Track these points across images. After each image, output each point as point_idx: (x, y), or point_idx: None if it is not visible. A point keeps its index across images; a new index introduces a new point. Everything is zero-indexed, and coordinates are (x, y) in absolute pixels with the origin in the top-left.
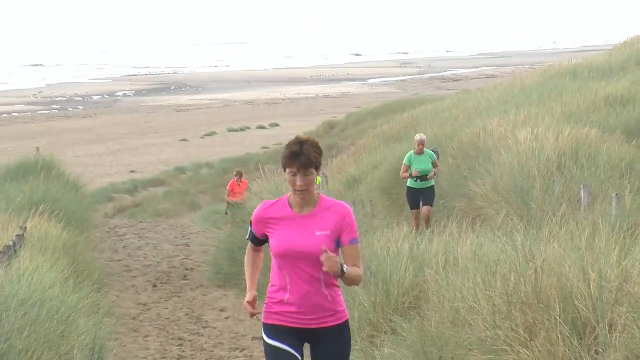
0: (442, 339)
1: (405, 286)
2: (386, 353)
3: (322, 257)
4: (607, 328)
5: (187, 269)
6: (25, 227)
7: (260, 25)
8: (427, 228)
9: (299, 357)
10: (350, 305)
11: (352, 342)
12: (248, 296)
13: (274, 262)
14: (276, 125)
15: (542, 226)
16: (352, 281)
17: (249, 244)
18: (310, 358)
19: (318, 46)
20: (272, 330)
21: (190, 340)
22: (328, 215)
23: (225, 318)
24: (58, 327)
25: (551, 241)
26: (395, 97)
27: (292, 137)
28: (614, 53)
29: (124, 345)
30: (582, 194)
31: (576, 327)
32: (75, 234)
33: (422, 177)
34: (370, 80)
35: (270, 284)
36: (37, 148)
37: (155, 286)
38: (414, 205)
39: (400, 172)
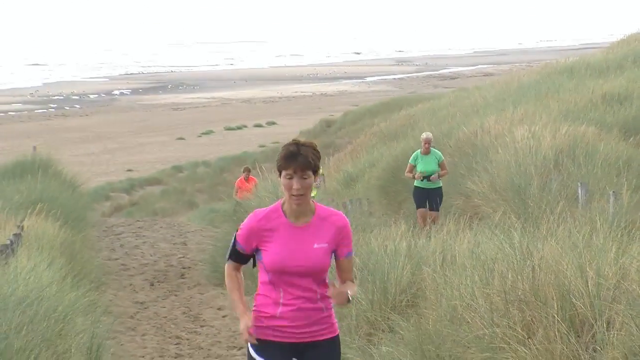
0: (439, 337)
1: (403, 284)
2: (384, 351)
3: (332, 293)
4: (605, 326)
5: (184, 268)
6: (23, 226)
7: (261, 25)
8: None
9: None
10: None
11: (350, 340)
12: (246, 321)
13: (263, 276)
14: (274, 123)
15: (540, 224)
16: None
17: (230, 265)
18: None
19: (316, 45)
20: (260, 346)
21: (187, 339)
22: (326, 226)
23: (223, 317)
24: (56, 325)
25: (549, 239)
26: (393, 95)
27: (289, 136)
28: (611, 51)
29: (121, 344)
30: (579, 191)
31: (574, 324)
32: (73, 232)
33: (428, 177)
34: (368, 79)
35: (257, 294)
36: (34, 147)
37: (152, 285)
38: (420, 204)
39: (405, 171)
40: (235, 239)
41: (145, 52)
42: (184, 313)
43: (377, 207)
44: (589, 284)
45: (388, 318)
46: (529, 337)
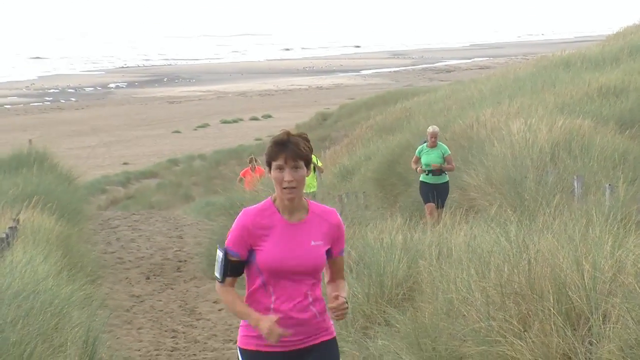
0: (435, 331)
1: (399, 278)
2: (380, 345)
3: (334, 305)
4: (601, 319)
5: (180, 261)
6: (19, 220)
7: (259, 18)
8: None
9: None
10: None
11: (346, 334)
12: (268, 319)
13: (254, 281)
14: (269, 116)
15: (536, 217)
16: None
17: (224, 284)
18: None
19: (313, 38)
20: (252, 357)
21: (184, 332)
22: (321, 223)
23: (219, 310)
24: (52, 319)
25: (545, 232)
26: (389, 89)
27: (285, 129)
28: (607, 44)
29: (117, 338)
30: (575, 184)
31: (570, 318)
32: (69, 226)
33: (434, 171)
34: (364, 72)
35: (246, 301)
36: (30, 140)
37: (148, 278)
38: (426, 199)
39: (412, 160)
40: (225, 252)
41: (147, 45)
42: (180, 306)
43: (373, 201)
44: (585, 277)
45: (384, 311)
46: (525, 330)
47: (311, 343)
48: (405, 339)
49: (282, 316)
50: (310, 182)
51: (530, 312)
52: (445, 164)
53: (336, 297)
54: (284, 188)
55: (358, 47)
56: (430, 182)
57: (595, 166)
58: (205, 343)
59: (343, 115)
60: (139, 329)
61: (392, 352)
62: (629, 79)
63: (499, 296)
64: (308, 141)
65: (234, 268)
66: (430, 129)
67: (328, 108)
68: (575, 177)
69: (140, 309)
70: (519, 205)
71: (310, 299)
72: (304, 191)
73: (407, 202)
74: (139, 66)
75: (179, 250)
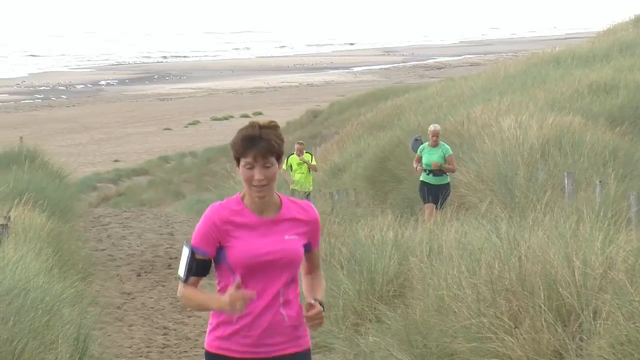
0: (426, 327)
1: (390, 274)
2: (371, 341)
3: (309, 314)
4: (591, 315)
5: (171, 258)
6: (10, 217)
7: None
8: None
9: None
10: (335, 293)
11: (337, 330)
12: (228, 293)
13: (224, 281)
14: (260, 114)
15: (527, 214)
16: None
17: (189, 283)
18: None
19: (302, 35)
20: None
21: (175, 330)
22: (296, 217)
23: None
24: (43, 316)
25: (535, 229)
26: (379, 86)
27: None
28: (597, 40)
29: (108, 335)
30: (566, 181)
31: (561, 314)
32: (60, 223)
33: (435, 171)
34: (354, 69)
35: (212, 312)
36: (21, 138)
37: (139, 275)
38: (426, 200)
39: (414, 160)
40: (191, 249)
41: (133, 42)
42: (171, 303)
43: (364, 198)
44: (576, 274)
45: (375, 308)
46: (515, 327)
47: (279, 353)
48: (396, 336)
49: (250, 316)
50: (306, 182)
51: (521, 309)
52: (446, 164)
53: (311, 306)
54: (254, 186)
55: (352, 44)
56: (431, 182)
57: (585, 163)
58: (196, 340)
59: (334, 112)
60: (130, 326)
61: (383, 349)
62: (619, 76)
63: (490, 293)
64: (279, 132)
65: (199, 267)
66: (431, 127)
67: (319, 105)
68: (565, 174)
69: (131, 306)
70: (510, 202)
71: (281, 300)
72: (300, 190)
73: (398, 199)
74: (129, 63)
75: (170, 248)
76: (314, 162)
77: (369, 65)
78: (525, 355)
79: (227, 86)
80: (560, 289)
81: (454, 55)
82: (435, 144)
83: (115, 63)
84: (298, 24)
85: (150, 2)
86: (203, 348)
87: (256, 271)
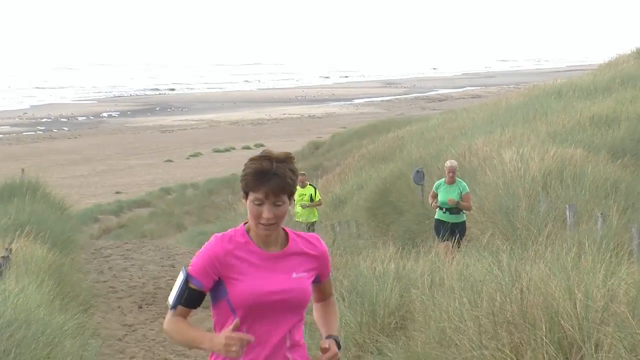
0: (428, 359)
1: (392, 306)
2: None
3: (325, 358)
4: (593, 348)
5: None
6: (11, 249)
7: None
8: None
9: None
10: None
11: None
12: (222, 334)
13: (224, 319)
14: (262, 145)
15: (528, 246)
16: None
17: (175, 313)
18: None
19: (305, 67)
20: None
21: None
22: (304, 252)
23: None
24: (44, 349)
25: (537, 261)
26: (381, 117)
27: None
28: (599, 73)
29: None
30: (567, 213)
31: (562, 347)
32: (61, 255)
33: (452, 209)
34: (356, 101)
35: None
36: (23, 169)
37: (141, 307)
38: (441, 238)
39: (429, 195)
40: (186, 276)
41: (134, 74)
42: None
43: (366, 229)
44: (577, 306)
45: (376, 340)
46: (517, 359)
47: None
48: None
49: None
50: (311, 213)
51: (522, 341)
52: (463, 202)
53: (326, 350)
54: (262, 224)
55: (346, 76)
56: (447, 220)
57: (587, 195)
58: None
59: (335, 144)
60: (132, 358)
61: None
62: (621, 109)
63: (492, 325)
64: (294, 166)
65: (191, 297)
66: (448, 163)
67: (320, 137)
68: (567, 206)
69: (132, 338)
70: (511, 234)
71: (288, 344)
72: (304, 222)
73: (400, 231)
74: (130, 95)
75: (172, 280)
76: (318, 197)
77: (370, 97)
78: None
79: (229, 118)
80: (562, 322)
81: (455, 88)
82: (452, 181)
83: (117, 95)
84: (309, 56)
85: (165, 33)
86: None
87: (260, 312)
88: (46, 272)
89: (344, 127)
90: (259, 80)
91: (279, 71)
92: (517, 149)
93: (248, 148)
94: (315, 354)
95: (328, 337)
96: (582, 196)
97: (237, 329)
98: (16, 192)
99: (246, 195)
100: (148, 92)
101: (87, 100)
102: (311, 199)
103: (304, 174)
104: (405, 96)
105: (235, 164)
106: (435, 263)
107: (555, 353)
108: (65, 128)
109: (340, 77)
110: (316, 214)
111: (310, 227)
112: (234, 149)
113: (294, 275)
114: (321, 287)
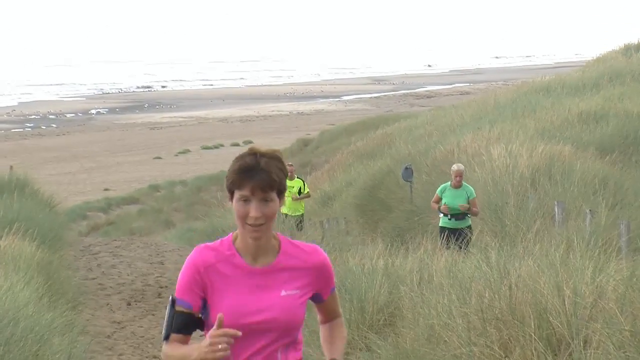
0: (417, 356)
1: (380, 303)
2: None
3: None
4: (582, 344)
5: (161, 287)
6: None
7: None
8: None
9: None
10: None
11: None
12: (203, 342)
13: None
14: (250, 142)
15: (517, 242)
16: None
17: (171, 340)
18: None
19: (295, 63)
20: None
21: None
22: (297, 266)
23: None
24: (33, 346)
25: (526, 258)
26: (369, 114)
27: None
28: (587, 69)
29: None
30: (556, 210)
31: (551, 343)
32: (50, 252)
33: (457, 214)
34: (344, 98)
35: None
36: (11, 166)
37: (129, 304)
38: (445, 244)
39: (432, 200)
40: (173, 302)
41: (122, 71)
42: (161, 332)
43: (354, 226)
44: (566, 303)
45: (365, 337)
46: (506, 356)
47: None
48: None
49: None
50: (298, 206)
51: (511, 338)
52: (470, 207)
53: None
54: (248, 225)
55: (335, 73)
56: (452, 227)
57: (575, 191)
58: None
59: (324, 141)
60: (120, 355)
61: None
62: (609, 105)
63: (480, 322)
64: (282, 163)
65: (179, 321)
66: (454, 167)
67: (309, 134)
68: (555, 203)
69: (121, 335)
70: (500, 231)
71: (280, 357)
72: (292, 215)
73: (388, 228)
74: (119, 92)
75: (160, 277)
76: (306, 190)
77: (358, 94)
78: None
79: (218, 115)
80: (551, 318)
81: (444, 84)
82: (458, 185)
83: (106, 92)
84: (300, 53)
85: (164, 33)
86: None
87: (244, 335)
88: (35, 269)
89: (333, 124)
90: (246, 78)
91: (272, 68)
92: (506, 146)
93: (237, 145)
94: None
95: None
96: (571, 193)
97: (221, 324)
98: (4, 189)
99: (232, 194)
100: (136, 89)
101: (76, 97)
102: (299, 192)
103: (291, 165)
104: (394, 93)
105: (224, 161)
106: (424, 260)
107: (544, 350)
108: (54, 125)
109: (329, 73)
110: (303, 206)
111: (299, 222)
112: (222, 146)
113: (283, 292)
114: (323, 306)
